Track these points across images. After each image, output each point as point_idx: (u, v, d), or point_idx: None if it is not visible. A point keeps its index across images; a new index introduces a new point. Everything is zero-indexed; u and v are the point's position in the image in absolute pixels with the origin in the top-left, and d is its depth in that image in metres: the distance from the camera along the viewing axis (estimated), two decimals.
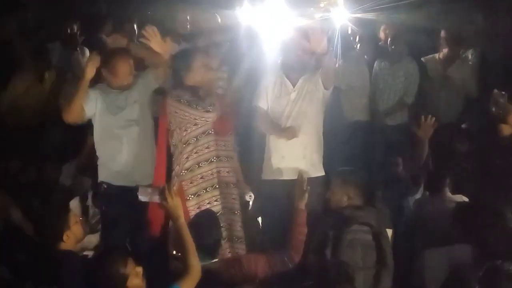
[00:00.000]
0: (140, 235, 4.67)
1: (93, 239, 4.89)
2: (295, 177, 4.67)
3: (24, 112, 6.25)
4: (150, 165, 4.61)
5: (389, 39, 6.44)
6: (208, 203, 4.37)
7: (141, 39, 4.55)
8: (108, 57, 4.61)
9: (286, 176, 4.75)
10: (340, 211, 4.32)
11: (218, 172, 4.45)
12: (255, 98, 4.84)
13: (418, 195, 5.38)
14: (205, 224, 3.79)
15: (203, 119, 4.40)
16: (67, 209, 3.91)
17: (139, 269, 3.31)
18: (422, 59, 6.61)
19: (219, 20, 6.41)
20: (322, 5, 8.84)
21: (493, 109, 4.87)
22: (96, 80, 4.63)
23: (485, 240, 3.91)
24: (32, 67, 6.33)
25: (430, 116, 5.05)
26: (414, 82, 6.35)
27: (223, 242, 4.13)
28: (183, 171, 4.41)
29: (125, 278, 3.19)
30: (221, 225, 4.09)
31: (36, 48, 6.47)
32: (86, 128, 4.86)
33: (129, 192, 4.41)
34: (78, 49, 6.61)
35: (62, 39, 6.65)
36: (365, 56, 6.55)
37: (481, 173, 5.56)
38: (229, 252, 4.34)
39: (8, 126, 6.07)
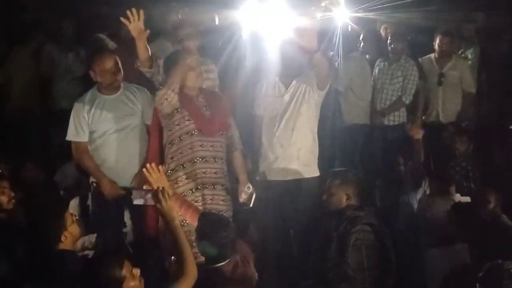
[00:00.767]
0: (135, 235, 4.69)
1: (94, 239, 4.88)
2: (289, 178, 4.72)
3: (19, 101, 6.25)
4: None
5: (388, 38, 6.43)
6: None
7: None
8: (94, 56, 4.62)
9: (280, 177, 4.75)
10: (342, 211, 4.33)
11: (204, 173, 4.40)
12: (253, 104, 4.86)
13: (419, 195, 5.38)
14: (212, 225, 3.75)
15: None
16: (64, 209, 3.90)
17: (136, 271, 3.30)
18: (419, 59, 6.62)
19: (217, 21, 6.41)
20: (323, 4, 8.83)
21: None
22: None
23: (481, 239, 3.92)
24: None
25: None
26: (413, 82, 6.33)
27: None
28: (168, 171, 4.38)
29: (121, 280, 3.18)
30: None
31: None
32: None
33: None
34: (72, 50, 6.62)
35: (58, 40, 6.66)
36: (367, 56, 6.52)
37: (481, 172, 5.60)
38: None
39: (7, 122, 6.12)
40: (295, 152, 4.74)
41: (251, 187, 4.48)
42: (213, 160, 4.42)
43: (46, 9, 7.05)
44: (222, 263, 3.67)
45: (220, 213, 4.29)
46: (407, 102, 6.35)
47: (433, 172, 5.32)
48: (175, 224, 3.42)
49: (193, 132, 4.40)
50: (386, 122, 6.36)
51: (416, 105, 6.46)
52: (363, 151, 6.27)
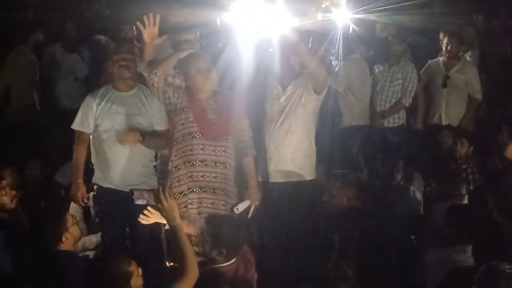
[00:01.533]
0: (136, 235, 4.71)
1: (94, 239, 4.91)
2: (283, 180, 4.72)
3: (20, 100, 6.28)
4: (144, 168, 4.66)
5: (388, 41, 6.45)
6: (183, 207, 4.26)
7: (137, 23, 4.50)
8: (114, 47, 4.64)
9: (275, 179, 4.75)
10: (342, 214, 4.33)
11: (202, 176, 4.36)
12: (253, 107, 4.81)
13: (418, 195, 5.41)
14: (223, 226, 3.77)
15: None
16: (64, 210, 3.92)
17: (140, 270, 3.34)
18: (429, 61, 6.62)
19: (219, 22, 6.43)
20: (323, 5, 8.86)
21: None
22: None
23: (479, 240, 3.94)
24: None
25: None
26: (413, 84, 6.35)
27: None
28: (173, 168, 4.42)
29: (129, 276, 3.21)
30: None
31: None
32: None
33: (121, 194, 4.51)
34: (75, 50, 6.63)
35: (61, 41, 6.68)
36: (366, 58, 6.54)
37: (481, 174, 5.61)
38: None
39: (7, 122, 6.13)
40: (289, 154, 4.73)
41: (239, 208, 4.35)
42: (213, 164, 4.37)
43: (49, 9, 7.08)
44: (227, 264, 3.69)
45: None
46: (407, 104, 6.37)
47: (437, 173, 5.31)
48: (176, 223, 3.44)
49: (195, 135, 4.37)
50: (386, 124, 6.39)
51: (417, 107, 6.49)
52: (365, 153, 6.28)
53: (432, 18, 7.15)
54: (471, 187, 5.38)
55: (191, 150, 4.36)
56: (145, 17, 4.43)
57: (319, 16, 8.41)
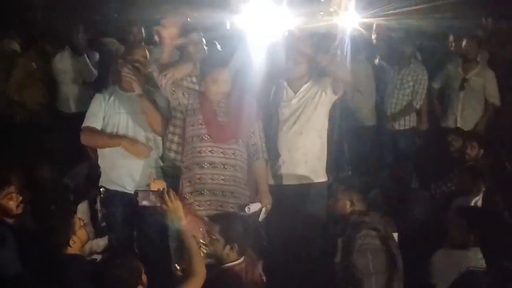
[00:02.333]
0: (144, 237, 4.70)
1: (101, 242, 4.90)
2: (296, 182, 4.70)
3: (29, 103, 6.29)
4: (151, 169, 4.63)
5: (399, 43, 6.42)
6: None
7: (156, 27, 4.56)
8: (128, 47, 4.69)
9: (287, 182, 4.72)
10: (347, 217, 4.33)
11: (211, 179, 4.35)
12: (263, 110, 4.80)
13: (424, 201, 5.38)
14: (232, 222, 3.76)
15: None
16: (72, 214, 3.91)
17: (145, 277, 3.35)
18: (447, 65, 6.60)
19: (228, 25, 6.43)
20: (332, 9, 8.84)
21: None
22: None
23: (488, 242, 3.90)
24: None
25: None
26: (423, 87, 6.33)
27: None
28: (183, 169, 4.42)
29: (140, 273, 3.21)
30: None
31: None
32: None
33: (128, 196, 4.47)
34: (85, 54, 6.64)
35: (70, 44, 6.69)
36: (377, 60, 6.52)
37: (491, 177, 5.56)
38: None
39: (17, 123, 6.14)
40: (302, 157, 4.71)
41: (250, 208, 4.34)
42: (222, 166, 4.36)
43: (58, 13, 7.11)
44: (238, 261, 3.67)
45: None
46: (418, 106, 6.35)
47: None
48: (181, 224, 3.44)
49: (204, 137, 4.37)
50: (396, 127, 6.37)
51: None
52: (375, 155, 6.26)
53: (440, 21, 7.11)
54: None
55: (199, 152, 4.36)
56: (164, 20, 4.45)
57: (327, 20, 8.40)
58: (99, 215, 5.15)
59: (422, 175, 5.73)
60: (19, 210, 4.31)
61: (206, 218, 4.12)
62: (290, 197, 4.66)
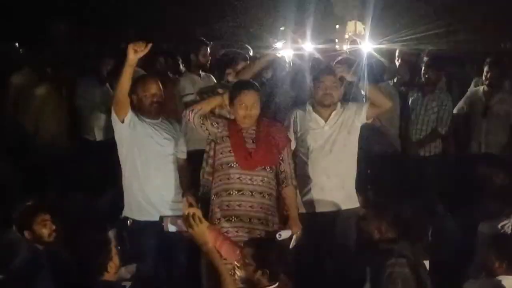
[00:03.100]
0: (173, 263, 4.71)
1: (130, 269, 4.86)
2: (333, 209, 4.72)
3: (51, 131, 6.36)
4: (174, 195, 4.69)
5: (422, 69, 6.44)
6: None
7: None
8: (137, 81, 4.67)
9: (324, 208, 4.74)
10: (376, 245, 4.31)
11: (238, 206, 4.38)
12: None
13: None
14: (264, 248, 3.77)
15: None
16: (110, 239, 3.94)
17: None
18: (470, 89, 6.58)
19: (251, 53, 6.50)
20: (347, 36, 8.93)
21: None
22: None
23: None
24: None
25: None
26: (448, 112, 6.33)
27: None
28: (213, 196, 4.46)
29: None
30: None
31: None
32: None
33: (156, 225, 4.51)
34: (110, 84, 6.70)
35: (93, 73, 6.75)
36: (401, 87, 6.54)
37: None
38: None
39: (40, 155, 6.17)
40: (340, 183, 4.76)
41: (282, 235, 4.34)
42: (250, 193, 4.38)
43: (83, 41, 7.17)
44: (271, 287, 3.67)
45: None
46: (443, 132, 6.34)
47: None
48: (208, 247, 3.46)
49: (232, 164, 4.40)
50: (421, 153, 6.36)
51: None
52: (400, 182, 6.24)
53: (461, 47, 7.16)
54: None
55: (228, 179, 4.40)
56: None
57: (344, 47, 8.48)
58: (126, 242, 5.16)
59: (449, 201, 5.70)
60: (51, 239, 4.37)
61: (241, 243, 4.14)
62: (323, 224, 4.67)
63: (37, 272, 4.11)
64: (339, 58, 5.32)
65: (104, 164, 5.69)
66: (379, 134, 6.30)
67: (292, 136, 4.79)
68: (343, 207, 4.74)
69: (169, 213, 4.55)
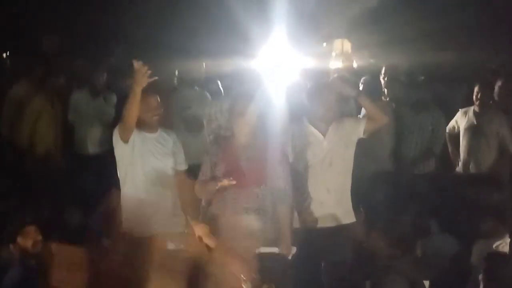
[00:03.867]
0: None
1: None
2: (332, 224, 4.70)
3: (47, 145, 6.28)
4: (171, 213, 4.65)
5: (418, 87, 6.49)
6: None
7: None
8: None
9: (323, 223, 4.73)
10: (377, 260, 4.32)
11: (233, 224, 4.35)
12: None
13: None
14: (270, 262, 3.76)
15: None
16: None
17: None
18: (460, 109, 6.62)
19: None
20: (333, 54, 8.97)
21: None
22: None
23: None
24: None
25: None
26: (442, 131, 6.38)
27: None
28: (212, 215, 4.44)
29: None
30: None
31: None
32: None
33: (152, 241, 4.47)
34: (103, 97, 6.64)
35: (87, 86, 6.70)
36: (392, 104, 6.58)
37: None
38: None
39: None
40: (339, 197, 4.76)
41: (261, 251, 4.31)
42: (244, 211, 4.38)
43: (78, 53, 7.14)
44: None
45: None
46: (437, 151, 6.38)
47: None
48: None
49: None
50: (415, 172, 6.39)
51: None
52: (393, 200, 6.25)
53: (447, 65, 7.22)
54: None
55: (223, 199, 4.38)
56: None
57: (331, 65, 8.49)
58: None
59: (443, 219, 5.71)
60: (36, 250, 4.33)
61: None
62: (322, 239, 4.65)
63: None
64: (336, 74, 5.33)
65: (98, 178, 5.63)
66: (371, 151, 6.31)
67: (289, 151, 4.79)
68: (342, 222, 4.73)
69: (167, 229, 4.51)
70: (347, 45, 9.10)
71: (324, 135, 4.78)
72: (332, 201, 4.73)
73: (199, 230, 3.80)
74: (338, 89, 4.75)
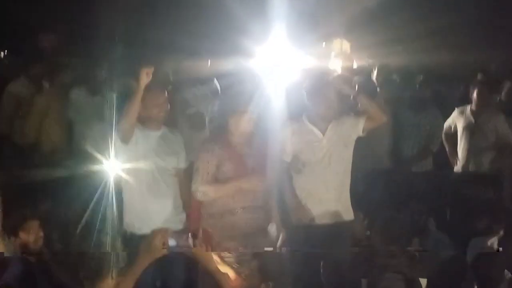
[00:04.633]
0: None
1: None
2: (331, 221, 4.74)
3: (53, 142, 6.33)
4: (173, 211, 4.70)
5: (416, 86, 6.52)
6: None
7: None
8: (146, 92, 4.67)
9: (322, 220, 4.76)
10: (374, 258, 4.34)
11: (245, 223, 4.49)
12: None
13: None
14: (269, 261, 3.79)
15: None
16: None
17: None
18: (456, 108, 6.66)
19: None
20: (332, 53, 8.99)
21: None
22: None
23: None
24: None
25: None
26: (439, 130, 6.42)
27: None
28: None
29: None
30: None
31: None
32: None
33: None
34: (103, 95, 6.66)
35: (86, 83, 6.73)
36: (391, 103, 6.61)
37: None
38: None
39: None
40: (338, 195, 4.82)
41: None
42: (241, 210, 4.48)
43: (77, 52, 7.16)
44: None
45: None
46: (434, 150, 6.42)
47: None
48: (211, 267, 3.45)
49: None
50: (413, 170, 6.42)
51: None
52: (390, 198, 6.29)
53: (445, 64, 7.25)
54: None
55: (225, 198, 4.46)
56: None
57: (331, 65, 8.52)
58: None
59: (440, 217, 5.76)
60: (37, 245, 4.33)
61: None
62: (320, 236, 4.69)
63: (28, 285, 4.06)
64: (336, 73, 5.35)
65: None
66: (369, 149, 6.35)
67: (288, 149, 4.81)
68: (340, 219, 4.76)
69: (168, 226, 4.53)
70: (346, 45, 9.13)
71: (323, 133, 4.82)
72: (331, 199, 4.78)
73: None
74: (338, 88, 4.78)
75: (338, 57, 8.94)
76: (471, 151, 6.51)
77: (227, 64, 6.12)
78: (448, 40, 8.60)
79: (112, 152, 4.71)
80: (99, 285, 3.68)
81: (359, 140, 4.98)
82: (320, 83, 4.89)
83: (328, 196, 4.78)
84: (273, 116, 5.33)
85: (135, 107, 4.42)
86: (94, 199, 5.59)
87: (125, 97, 6.59)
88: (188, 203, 4.77)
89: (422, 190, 6.23)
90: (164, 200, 4.68)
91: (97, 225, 5.31)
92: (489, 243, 5.02)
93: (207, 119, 5.64)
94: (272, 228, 4.59)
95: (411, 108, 6.51)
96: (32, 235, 4.41)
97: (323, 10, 9.24)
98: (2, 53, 8.40)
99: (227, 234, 4.41)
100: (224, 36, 7.76)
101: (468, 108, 6.61)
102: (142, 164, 4.63)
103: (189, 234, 3.65)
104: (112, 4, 8.19)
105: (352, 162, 4.97)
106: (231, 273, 3.79)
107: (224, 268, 3.76)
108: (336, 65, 8.04)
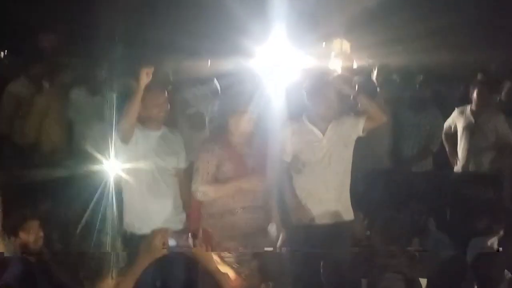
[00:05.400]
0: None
1: None
2: (331, 221, 4.75)
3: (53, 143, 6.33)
4: (173, 211, 4.69)
5: (416, 86, 6.53)
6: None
7: None
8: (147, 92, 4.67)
9: (322, 220, 4.77)
10: (374, 258, 4.35)
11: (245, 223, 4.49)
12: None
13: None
14: (269, 260, 3.79)
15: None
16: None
17: None
18: (456, 108, 6.67)
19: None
20: (332, 54, 8.99)
21: None
22: None
23: None
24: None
25: None
26: (439, 130, 6.42)
27: None
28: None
29: None
30: None
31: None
32: None
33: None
34: (103, 95, 6.66)
35: (86, 83, 6.73)
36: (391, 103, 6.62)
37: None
38: None
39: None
40: (338, 195, 4.82)
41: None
42: (241, 210, 4.48)
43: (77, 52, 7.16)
44: None
45: None
46: (434, 150, 6.42)
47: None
48: (211, 267, 3.44)
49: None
50: (413, 170, 6.43)
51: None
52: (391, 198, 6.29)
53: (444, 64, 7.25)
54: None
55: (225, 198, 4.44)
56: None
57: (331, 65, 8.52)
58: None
59: (440, 217, 5.76)
60: (37, 245, 4.34)
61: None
62: (320, 236, 4.70)
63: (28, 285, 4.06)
64: (336, 73, 5.36)
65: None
66: (370, 149, 6.35)
67: (288, 149, 4.81)
68: (340, 219, 4.77)
69: (168, 226, 4.53)
70: (346, 45, 9.13)
71: (323, 133, 4.82)
72: (331, 198, 4.77)
73: None
74: (338, 88, 4.79)
75: (338, 57, 8.96)
76: (471, 151, 6.51)
77: (227, 64, 6.13)
78: (448, 40, 8.61)
79: (112, 152, 4.68)
80: (99, 285, 3.66)
81: (359, 140, 5.00)
82: (320, 83, 4.89)
83: (328, 196, 4.78)
84: (273, 116, 5.34)
85: (135, 107, 4.41)
86: (94, 199, 5.63)
87: (125, 97, 6.61)
88: (188, 203, 4.77)
89: (422, 190, 6.24)
90: (164, 200, 4.67)
91: (97, 225, 5.33)
92: (489, 243, 5.02)
93: (207, 119, 5.63)
94: (272, 228, 4.58)
95: (411, 108, 6.52)
96: (32, 235, 4.42)
97: (323, 10, 9.24)
98: (2, 53, 8.40)
99: (227, 234, 4.41)
100: (224, 36, 7.77)
101: (468, 108, 6.61)
102: (142, 164, 4.62)
103: (189, 234, 3.64)
104: (112, 4, 8.20)
105: (352, 162, 4.97)
106: (231, 273, 3.80)
107: (224, 268, 3.77)
108: (336, 65, 8.05)
